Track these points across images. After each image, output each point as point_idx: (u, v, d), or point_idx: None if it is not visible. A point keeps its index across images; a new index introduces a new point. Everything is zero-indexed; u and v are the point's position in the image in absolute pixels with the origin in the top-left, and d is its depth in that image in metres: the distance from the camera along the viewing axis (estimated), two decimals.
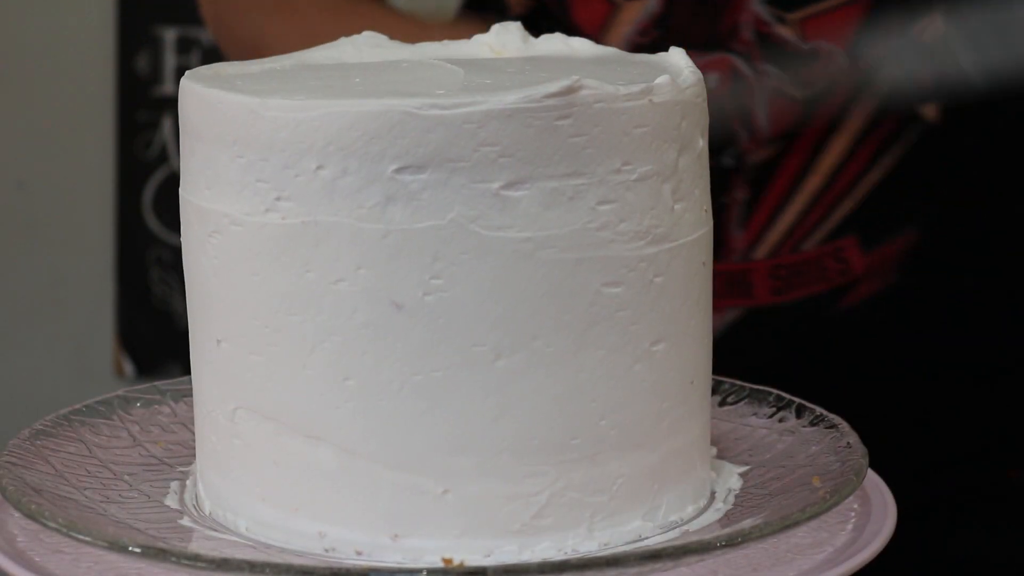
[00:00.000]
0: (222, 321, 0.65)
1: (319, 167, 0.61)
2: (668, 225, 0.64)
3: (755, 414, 0.75)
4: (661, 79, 0.64)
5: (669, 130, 0.64)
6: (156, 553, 0.60)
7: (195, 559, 0.59)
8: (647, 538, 0.65)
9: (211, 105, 0.64)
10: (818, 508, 0.63)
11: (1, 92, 2.04)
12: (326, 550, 0.63)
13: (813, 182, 0.95)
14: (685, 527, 0.66)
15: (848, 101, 0.94)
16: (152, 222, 2.04)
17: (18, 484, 0.65)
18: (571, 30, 1.01)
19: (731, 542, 0.60)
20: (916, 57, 0.94)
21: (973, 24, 0.94)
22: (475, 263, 0.61)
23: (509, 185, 0.61)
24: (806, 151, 0.95)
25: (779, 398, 0.76)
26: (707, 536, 0.62)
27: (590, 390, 0.63)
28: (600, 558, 0.59)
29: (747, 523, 0.63)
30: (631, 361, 0.64)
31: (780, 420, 0.75)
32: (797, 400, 0.75)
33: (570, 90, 0.61)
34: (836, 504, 0.64)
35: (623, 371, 0.64)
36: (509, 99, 0.60)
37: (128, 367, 2.07)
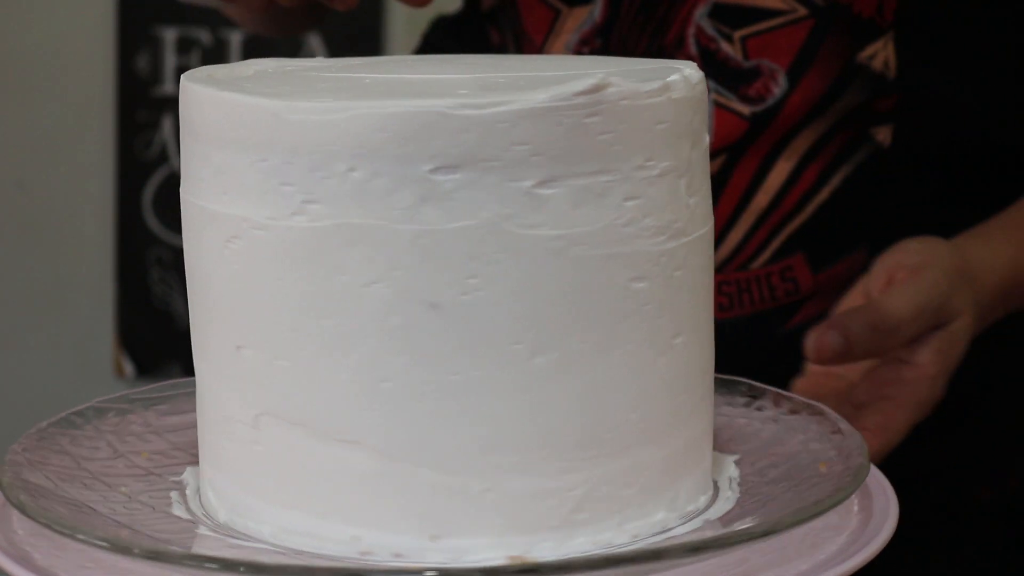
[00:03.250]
0: (243, 327, 0.64)
1: (350, 169, 0.61)
2: (685, 220, 0.65)
3: (729, 404, 0.76)
4: (675, 76, 0.64)
5: (684, 125, 0.65)
6: (228, 564, 0.59)
7: (259, 570, 0.58)
8: (671, 528, 0.65)
9: (228, 108, 0.63)
10: (846, 492, 0.63)
11: (1, 92, 2.04)
12: (362, 553, 0.63)
13: (760, 200, 0.94)
14: (704, 515, 0.66)
15: (798, 122, 0.94)
16: (152, 222, 2.05)
17: (33, 499, 0.65)
18: (520, 35, 1.01)
19: (773, 529, 0.61)
20: (865, 82, 0.94)
21: (923, 49, 0.94)
22: (509, 262, 0.60)
23: (541, 183, 0.61)
24: (753, 169, 0.94)
25: (751, 387, 0.76)
26: (750, 525, 0.62)
27: (621, 384, 0.63)
28: (680, 546, 0.59)
29: (775, 511, 0.63)
30: (656, 354, 0.64)
31: (758, 409, 0.75)
32: (771, 389, 0.76)
33: (598, 88, 0.61)
34: (857, 487, 0.64)
35: (649, 364, 0.64)
36: (540, 97, 0.60)
37: (128, 367, 2.07)
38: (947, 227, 0.93)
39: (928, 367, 0.86)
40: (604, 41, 0.98)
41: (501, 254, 0.61)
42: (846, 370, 0.88)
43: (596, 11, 0.98)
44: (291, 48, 2.01)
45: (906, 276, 0.87)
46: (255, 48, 2.03)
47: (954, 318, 0.87)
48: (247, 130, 0.62)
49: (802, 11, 0.94)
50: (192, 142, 0.65)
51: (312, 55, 2.01)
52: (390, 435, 0.62)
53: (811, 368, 0.89)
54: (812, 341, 0.84)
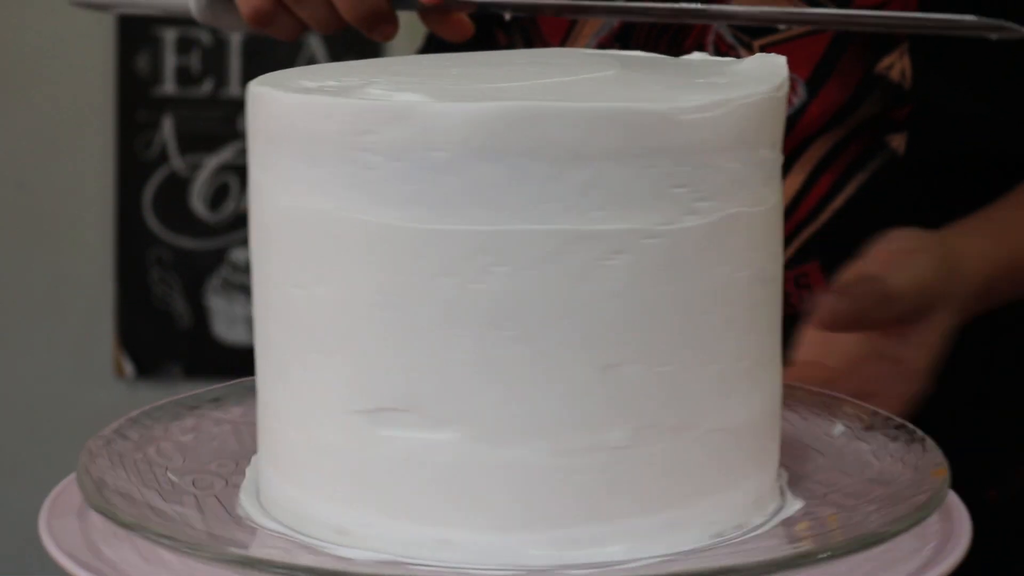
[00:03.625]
0: (620, 342, 0.63)
1: (729, 161, 0.63)
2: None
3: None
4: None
5: None
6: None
7: None
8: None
9: (618, 119, 0.62)
10: (937, 499, 0.66)
11: (1, 93, 2.04)
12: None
13: None
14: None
15: (815, 131, 0.94)
16: (152, 222, 2.04)
17: (106, 498, 0.66)
18: (532, 39, 1.01)
19: (880, 539, 0.63)
20: (883, 92, 0.94)
21: (937, 59, 0.94)
22: None
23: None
24: None
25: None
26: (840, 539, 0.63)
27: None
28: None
29: (871, 518, 0.64)
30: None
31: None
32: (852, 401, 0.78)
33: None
34: (943, 500, 0.67)
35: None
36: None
37: (128, 367, 2.07)
38: None
39: (912, 362, 0.86)
40: (622, 47, 0.98)
41: None
42: (833, 360, 0.88)
43: (615, 18, 0.98)
44: (291, 50, 2.01)
45: (905, 257, 0.87)
46: (255, 49, 2.03)
47: (939, 309, 0.87)
48: (632, 139, 0.62)
49: None
50: (539, 165, 0.62)
51: (312, 56, 2.02)
52: None
53: (798, 357, 0.89)
54: (822, 306, 0.84)
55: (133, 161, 2.05)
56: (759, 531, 0.66)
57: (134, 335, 2.07)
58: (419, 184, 0.61)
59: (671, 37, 0.97)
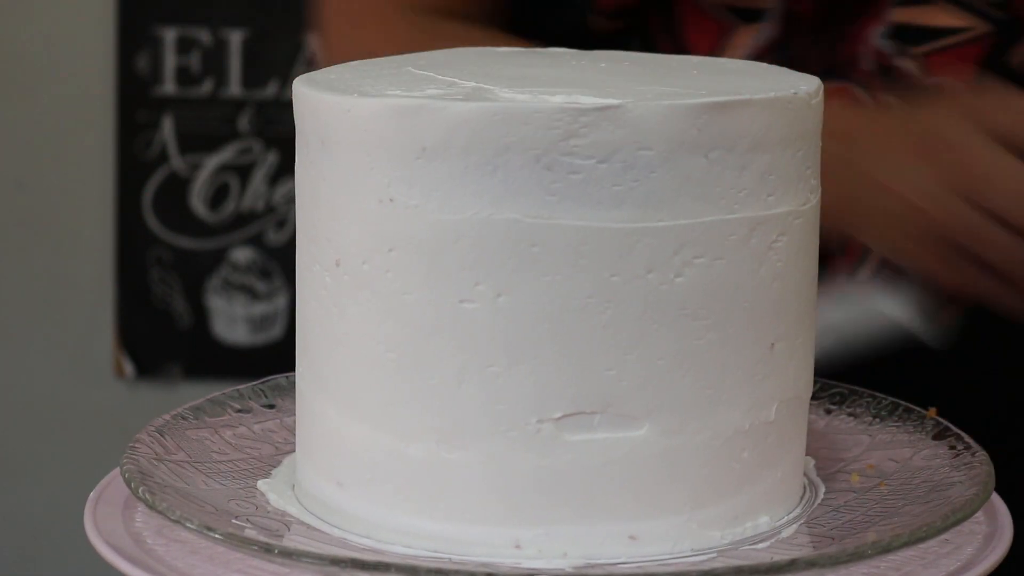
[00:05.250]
0: (780, 322, 0.67)
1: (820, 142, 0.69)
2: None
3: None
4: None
5: None
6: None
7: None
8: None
9: (777, 111, 0.66)
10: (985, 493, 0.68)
11: (1, 92, 2.04)
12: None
13: None
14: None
15: None
16: (152, 222, 2.04)
17: (151, 490, 0.66)
18: (681, 47, 1.00)
19: (944, 525, 0.65)
20: None
21: None
22: None
23: None
24: None
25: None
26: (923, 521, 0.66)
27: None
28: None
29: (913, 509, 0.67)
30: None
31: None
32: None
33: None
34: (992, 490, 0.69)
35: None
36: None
37: (128, 367, 2.07)
38: None
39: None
40: (780, 58, 0.97)
41: None
42: None
43: (769, 28, 0.98)
44: (290, 51, 2.01)
45: None
46: (255, 48, 2.03)
47: None
48: (791, 126, 0.66)
49: (983, 27, 0.95)
50: (732, 156, 0.65)
51: (312, 57, 2.01)
52: None
53: None
54: None
55: (133, 161, 2.04)
56: None
57: (134, 335, 2.07)
58: (628, 183, 0.63)
59: (826, 47, 0.98)
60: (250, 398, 0.79)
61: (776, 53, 0.98)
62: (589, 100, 0.62)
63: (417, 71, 0.69)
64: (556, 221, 0.62)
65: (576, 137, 0.62)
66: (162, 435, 0.73)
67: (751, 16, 0.99)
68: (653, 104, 0.62)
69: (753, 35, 0.99)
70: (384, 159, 0.64)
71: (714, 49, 0.99)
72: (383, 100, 0.64)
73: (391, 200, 0.64)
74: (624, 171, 0.63)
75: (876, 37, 0.97)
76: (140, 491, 0.66)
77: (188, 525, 0.63)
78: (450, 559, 0.64)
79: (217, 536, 0.63)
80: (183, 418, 0.75)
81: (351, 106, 0.65)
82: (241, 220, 2.04)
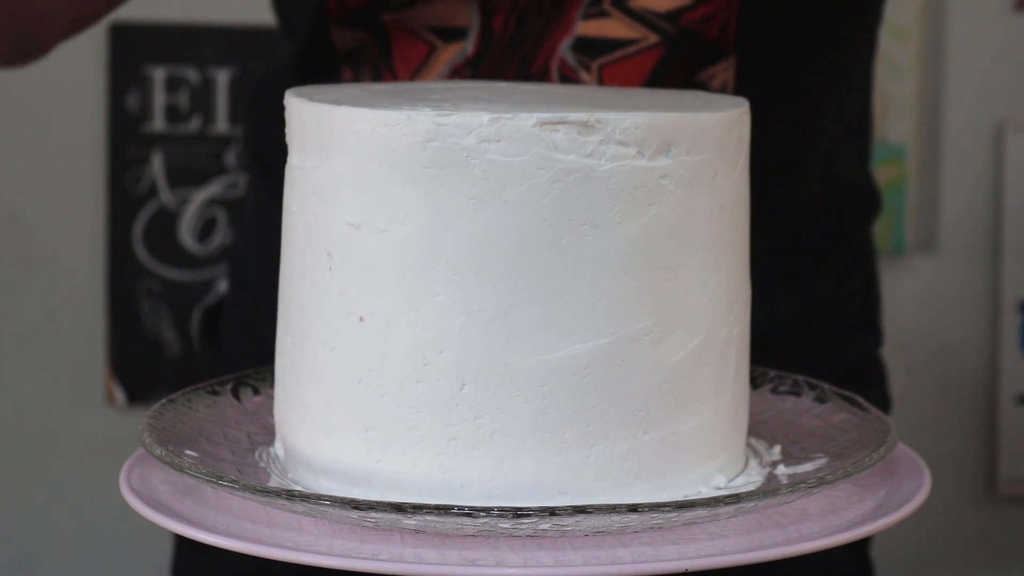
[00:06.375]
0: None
1: None
2: None
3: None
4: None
5: None
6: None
7: None
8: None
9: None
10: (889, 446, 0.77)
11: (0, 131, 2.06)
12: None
13: None
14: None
15: None
16: (142, 254, 2.05)
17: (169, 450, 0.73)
18: (381, 72, 1.05)
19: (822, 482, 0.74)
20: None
21: (761, 72, 1.01)
22: None
23: None
24: None
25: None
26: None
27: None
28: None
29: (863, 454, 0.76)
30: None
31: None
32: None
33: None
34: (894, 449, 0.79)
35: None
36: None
37: (119, 394, 2.08)
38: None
39: None
40: (473, 73, 1.03)
41: None
42: None
43: (469, 45, 1.02)
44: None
45: None
46: (241, 86, 2.04)
47: None
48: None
49: (653, 38, 1.00)
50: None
51: None
52: None
53: None
54: None
55: (124, 195, 2.05)
56: None
57: (125, 363, 2.08)
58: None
59: (519, 62, 1.02)
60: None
61: (470, 68, 1.03)
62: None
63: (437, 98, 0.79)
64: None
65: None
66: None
67: (453, 35, 1.03)
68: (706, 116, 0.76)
69: (456, 52, 1.03)
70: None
71: (419, 69, 1.03)
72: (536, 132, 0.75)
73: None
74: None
75: (564, 50, 1.01)
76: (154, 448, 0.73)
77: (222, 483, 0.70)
78: None
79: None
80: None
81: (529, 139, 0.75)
82: (228, 252, 2.05)
